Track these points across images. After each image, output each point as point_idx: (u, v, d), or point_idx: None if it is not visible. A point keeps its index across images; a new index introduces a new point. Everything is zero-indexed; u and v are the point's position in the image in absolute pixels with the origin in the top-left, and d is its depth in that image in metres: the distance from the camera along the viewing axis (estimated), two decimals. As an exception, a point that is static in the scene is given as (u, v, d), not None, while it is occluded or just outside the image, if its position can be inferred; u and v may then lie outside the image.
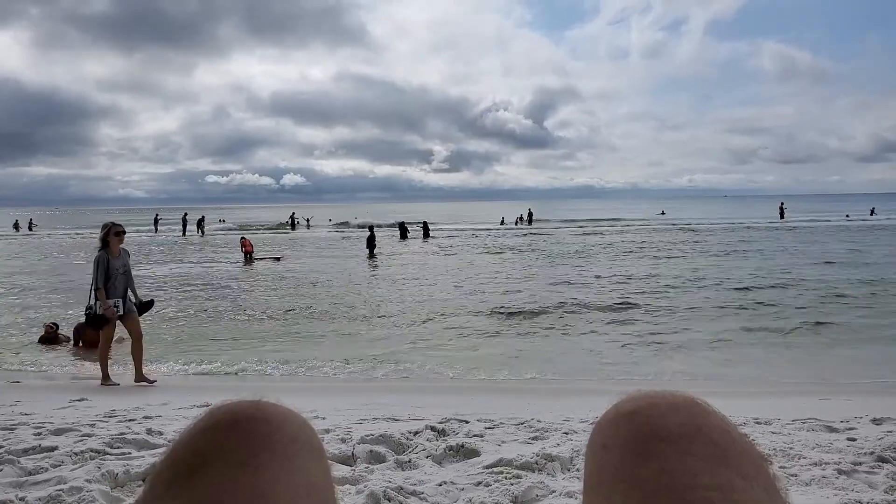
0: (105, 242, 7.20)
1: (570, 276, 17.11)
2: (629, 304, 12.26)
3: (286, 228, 51.31)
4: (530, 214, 52.00)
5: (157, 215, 50.83)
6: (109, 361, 7.45)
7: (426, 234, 35.51)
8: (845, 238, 29.10)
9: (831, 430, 4.02)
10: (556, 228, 45.36)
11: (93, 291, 7.11)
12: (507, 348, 9.31)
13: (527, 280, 16.60)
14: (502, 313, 11.73)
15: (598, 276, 16.80)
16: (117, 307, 7.10)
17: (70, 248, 32.05)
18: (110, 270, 7.09)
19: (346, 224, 52.41)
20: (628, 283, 15.34)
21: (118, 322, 7.25)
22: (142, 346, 7.40)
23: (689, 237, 32.32)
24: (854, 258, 19.62)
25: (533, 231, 42.00)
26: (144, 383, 7.24)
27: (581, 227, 46.95)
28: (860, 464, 3.19)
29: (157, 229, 47.50)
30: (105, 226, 7.31)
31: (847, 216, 50.69)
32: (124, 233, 7.37)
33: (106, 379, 7.24)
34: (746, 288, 14.06)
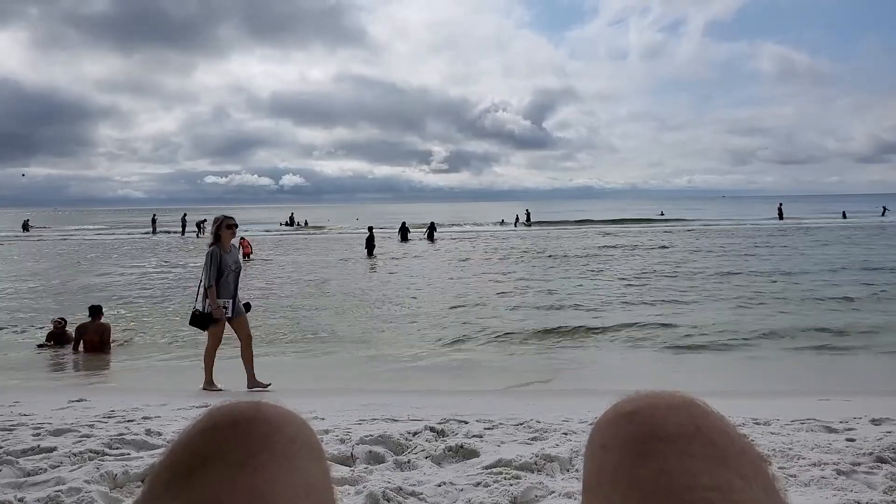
0: (217, 236, 6.66)
1: (596, 282, 16.01)
2: (661, 319, 10.93)
3: (288, 227, 51.69)
4: (528, 215, 51.81)
5: (154, 216, 50.73)
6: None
7: (431, 236, 33.03)
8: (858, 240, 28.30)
9: (830, 430, 4.02)
10: (560, 230, 44.14)
11: (201, 289, 6.60)
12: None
13: (548, 291, 14.76)
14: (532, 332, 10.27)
15: (621, 280, 16.07)
16: (226, 308, 6.58)
17: (70, 250, 32.06)
18: (223, 266, 6.53)
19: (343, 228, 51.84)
20: (652, 289, 14.54)
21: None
22: (251, 349, 6.85)
23: (709, 239, 30.79)
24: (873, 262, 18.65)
25: (538, 233, 40.84)
26: (259, 388, 6.74)
27: (587, 228, 46.17)
28: (859, 464, 3.19)
29: (154, 230, 47.43)
30: (216, 219, 6.75)
31: (843, 214, 50.82)
32: (236, 226, 6.83)
33: (210, 384, 6.75)
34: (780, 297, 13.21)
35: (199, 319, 6.62)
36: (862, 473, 3.07)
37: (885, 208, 51.83)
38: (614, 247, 27.50)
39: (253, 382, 6.82)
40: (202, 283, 6.62)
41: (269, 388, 6.78)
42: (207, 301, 6.54)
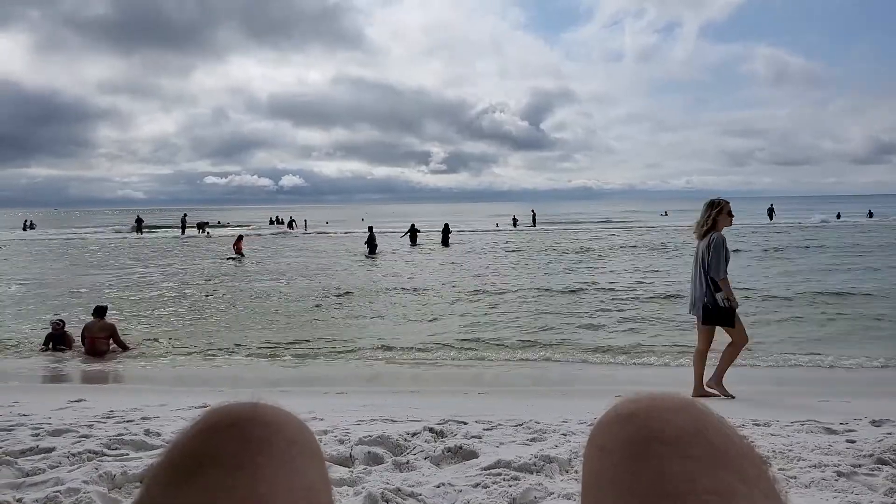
0: (714, 222, 5.83)
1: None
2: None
3: (280, 228, 50.98)
4: (533, 217, 51.39)
5: (138, 216, 48.67)
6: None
7: (446, 240, 29.50)
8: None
9: (830, 431, 4.02)
10: (570, 232, 41.92)
11: (706, 281, 5.76)
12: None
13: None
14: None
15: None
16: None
17: (66, 249, 32.06)
18: (727, 256, 5.77)
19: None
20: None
21: None
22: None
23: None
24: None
25: (545, 234, 38.95)
26: (717, 395, 5.87)
27: (596, 229, 44.53)
28: (859, 466, 3.18)
29: (139, 231, 45.30)
30: (717, 202, 5.90)
31: (838, 215, 50.97)
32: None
33: (703, 388, 5.90)
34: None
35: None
36: (862, 475, 3.06)
37: None
38: (628, 252, 25.65)
39: (717, 387, 5.97)
40: (709, 275, 5.76)
41: (733, 398, 5.91)
42: (720, 294, 5.74)
